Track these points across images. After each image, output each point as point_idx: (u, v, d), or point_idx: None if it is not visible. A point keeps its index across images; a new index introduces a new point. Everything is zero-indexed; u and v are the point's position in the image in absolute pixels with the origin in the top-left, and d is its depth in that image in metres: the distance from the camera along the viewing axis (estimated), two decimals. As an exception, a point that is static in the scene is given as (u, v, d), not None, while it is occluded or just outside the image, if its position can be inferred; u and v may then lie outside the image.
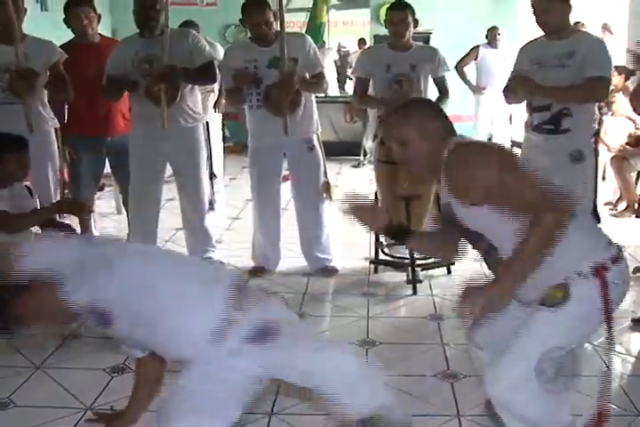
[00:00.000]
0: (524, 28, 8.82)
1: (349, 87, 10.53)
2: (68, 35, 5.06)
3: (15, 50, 4.37)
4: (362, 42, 10.66)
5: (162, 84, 4.38)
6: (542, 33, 4.00)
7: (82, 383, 3.31)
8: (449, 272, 4.73)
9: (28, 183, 4.40)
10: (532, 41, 4.17)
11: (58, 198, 4.87)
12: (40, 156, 4.51)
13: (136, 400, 2.80)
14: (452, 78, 4.81)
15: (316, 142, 4.68)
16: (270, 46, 4.45)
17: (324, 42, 9.46)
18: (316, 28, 8.80)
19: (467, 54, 8.33)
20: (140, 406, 2.81)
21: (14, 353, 3.59)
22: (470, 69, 8.40)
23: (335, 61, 10.96)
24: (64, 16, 4.98)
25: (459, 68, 8.16)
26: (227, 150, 9.09)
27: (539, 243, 2.26)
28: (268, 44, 4.46)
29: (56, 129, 4.81)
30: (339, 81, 11.35)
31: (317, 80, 4.59)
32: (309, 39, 4.63)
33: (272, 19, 4.41)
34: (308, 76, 4.57)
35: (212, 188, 5.27)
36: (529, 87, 3.91)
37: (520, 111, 4.66)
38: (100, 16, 5.09)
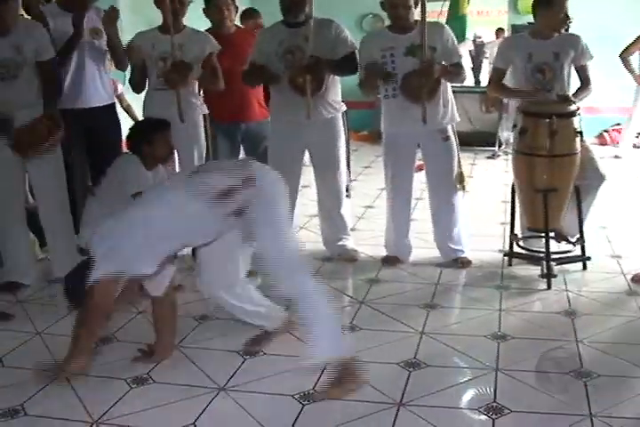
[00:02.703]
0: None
1: (485, 77, 10.38)
2: (209, 25, 5.22)
3: (171, 41, 4.53)
4: (500, 31, 10.47)
5: (307, 75, 4.44)
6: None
7: (216, 364, 3.43)
8: (584, 268, 4.62)
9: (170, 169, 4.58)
10: None
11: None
12: (188, 142, 4.69)
13: (164, 331, 3.46)
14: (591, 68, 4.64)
15: (451, 133, 4.64)
16: (407, 34, 4.43)
17: (465, 36, 9.24)
18: (457, 20, 8.64)
19: (632, 43, 7.95)
20: (170, 333, 3.48)
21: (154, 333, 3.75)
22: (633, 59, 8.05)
23: (470, 51, 10.81)
24: (204, 6, 5.12)
25: (623, 56, 7.85)
26: (361, 139, 9.15)
27: None
28: (405, 32, 4.44)
29: (204, 116, 4.95)
30: (474, 71, 11.19)
31: (456, 70, 4.54)
32: (448, 29, 4.58)
33: (412, 3, 4.38)
34: (445, 65, 4.53)
35: (349, 175, 5.30)
36: None
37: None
38: (237, 8, 5.20)
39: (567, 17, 4.53)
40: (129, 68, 4.90)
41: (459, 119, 4.72)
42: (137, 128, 4.33)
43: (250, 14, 6.68)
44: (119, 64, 4.87)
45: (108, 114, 4.90)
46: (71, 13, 4.52)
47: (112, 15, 4.66)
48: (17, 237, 4.46)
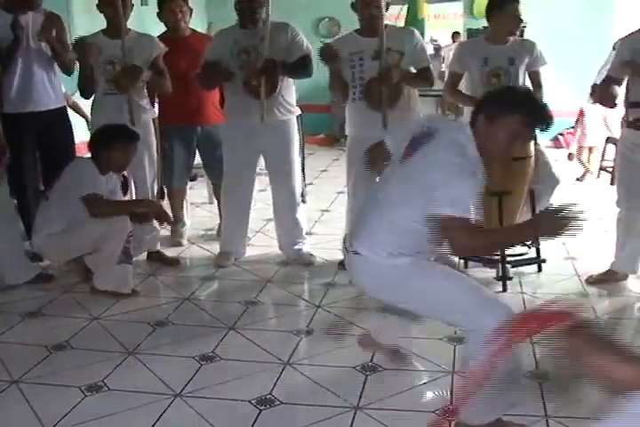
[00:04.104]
0: (621, 18, 8.57)
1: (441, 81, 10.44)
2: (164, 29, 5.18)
3: (122, 45, 4.50)
4: (456, 35, 10.54)
5: (262, 76, 4.43)
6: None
7: (172, 370, 3.38)
8: (539, 270, 4.66)
9: (126, 173, 4.55)
10: (635, 32, 4.08)
11: (155, 188, 5.00)
12: (140, 146, 4.65)
13: None
14: (545, 72, 4.70)
15: None
16: (376, 37, 4.41)
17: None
18: (416, 24, 8.68)
19: None
20: None
21: (109, 338, 3.71)
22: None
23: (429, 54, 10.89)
24: (158, 10, 5.09)
25: None
26: (318, 142, 9.15)
27: None
28: (374, 35, 4.41)
29: (153, 120, 4.92)
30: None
31: (423, 75, 4.55)
32: (417, 33, 4.59)
33: (383, 3, 4.35)
34: (413, 70, 4.55)
35: (304, 179, 5.30)
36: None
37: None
38: (191, 10, 5.18)
39: (520, 21, 4.57)
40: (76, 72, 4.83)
41: None
42: (99, 133, 4.31)
43: None
44: (64, 68, 4.81)
45: (58, 117, 4.85)
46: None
47: (49, 22, 4.61)
48: None
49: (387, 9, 4.43)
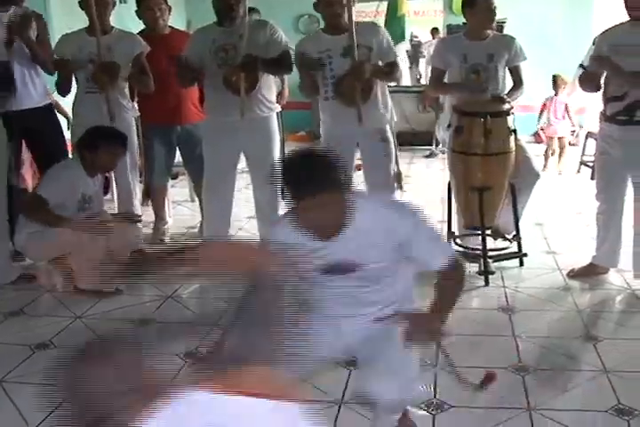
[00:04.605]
0: (599, 15, 8.61)
1: (423, 77, 10.48)
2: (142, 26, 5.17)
3: (97, 42, 4.49)
4: (435, 31, 10.57)
5: (241, 72, 4.42)
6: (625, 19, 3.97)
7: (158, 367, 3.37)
8: (521, 264, 4.69)
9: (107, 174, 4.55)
10: (613, 27, 4.11)
11: (137, 186, 5.00)
12: None
13: None
14: (526, 68, 4.73)
15: (388, 132, 4.67)
16: (343, 35, 4.44)
17: (404, 36, 9.26)
18: (396, 20, 8.68)
19: None
20: None
21: (93, 337, 3.70)
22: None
23: (407, 51, 10.88)
24: (137, 8, 5.08)
25: None
26: (298, 140, 9.15)
27: None
28: (340, 33, 4.45)
29: (135, 118, 4.91)
30: (411, 71, 11.27)
31: (391, 69, 4.57)
32: (383, 28, 4.63)
33: (346, 1, 4.37)
34: (381, 64, 4.56)
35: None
36: (610, 68, 3.94)
37: (596, 102, 4.60)
38: (170, 8, 5.17)
39: (493, 16, 4.57)
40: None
41: (396, 119, 4.75)
42: (86, 134, 4.30)
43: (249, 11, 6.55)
44: (43, 68, 4.79)
45: (44, 114, 4.83)
46: None
47: (22, 22, 4.58)
48: None
49: (352, 4, 4.40)
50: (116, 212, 4.91)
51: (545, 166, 7.56)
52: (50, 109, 4.95)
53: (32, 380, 3.21)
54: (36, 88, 4.76)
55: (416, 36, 11.77)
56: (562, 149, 7.84)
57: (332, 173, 2.20)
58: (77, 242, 4.14)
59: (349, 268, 2.43)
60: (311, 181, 2.16)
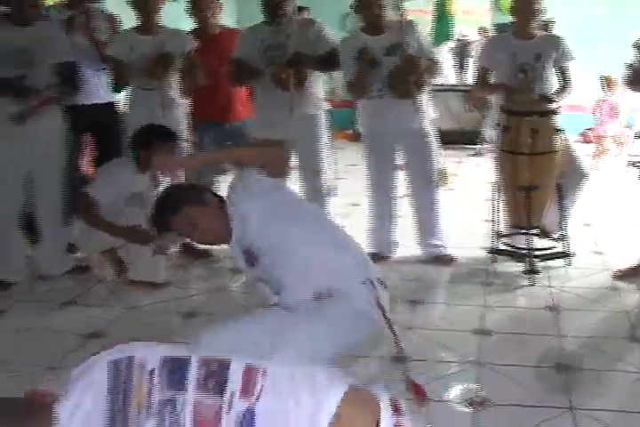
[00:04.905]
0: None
1: (469, 76, 10.42)
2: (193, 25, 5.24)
3: (156, 39, 4.60)
4: (483, 30, 10.52)
5: (290, 69, 4.48)
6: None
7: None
8: (568, 264, 4.67)
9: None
10: None
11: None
12: None
13: None
14: (574, 67, 4.72)
15: (429, 129, 4.69)
16: (382, 35, 4.48)
17: (451, 35, 9.22)
18: (444, 19, 8.66)
19: None
20: None
21: (142, 328, 3.79)
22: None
23: (452, 49, 10.84)
24: (188, 6, 5.15)
25: None
26: (347, 137, 9.18)
27: None
28: (380, 33, 4.48)
29: (186, 114, 4.98)
30: (458, 69, 11.22)
31: (434, 64, 4.59)
32: (419, 26, 4.63)
33: (385, 1, 4.41)
34: None
35: (334, 174, 5.35)
36: None
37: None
38: (221, 7, 5.24)
39: (538, 15, 4.56)
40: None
41: (435, 116, 4.76)
42: (141, 131, 4.38)
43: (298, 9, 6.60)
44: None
45: (108, 110, 4.97)
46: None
47: (91, 18, 4.72)
48: (7, 234, 4.47)
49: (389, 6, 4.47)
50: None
51: (594, 166, 7.50)
52: (114, 106, 5.06)
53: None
54: (102, 84, 4.91)
55: (465, 35, 11.70)
56: (610, 149, 7.79)
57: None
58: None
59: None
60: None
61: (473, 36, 11.07)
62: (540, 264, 4.54)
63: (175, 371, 1.61)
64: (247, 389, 1.55)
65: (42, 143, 4.37)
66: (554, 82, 4.69)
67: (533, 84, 4.55)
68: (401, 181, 4.86)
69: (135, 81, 4.76)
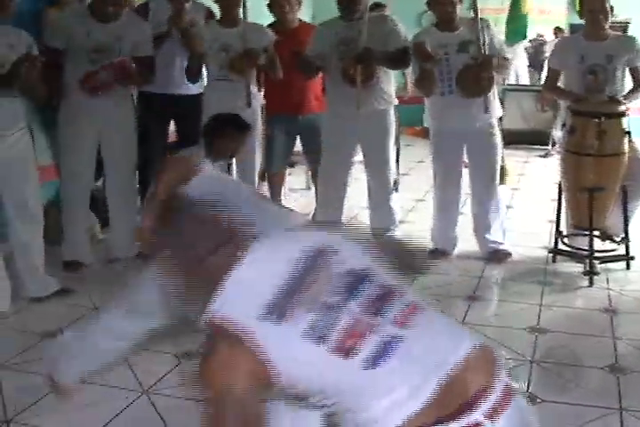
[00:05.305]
0: None
1: (543, 76, 10.32)
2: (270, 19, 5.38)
3: (239, 32, 4.71)
4: (558, 30, 10.40)
5: (358, 64, 4.55)
6: None
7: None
8: (628, 267, 4.65)
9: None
10: None
11: (256, 172, 5.18)
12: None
13: None
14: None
15: (495, 127, 4.72)
16: (456, 31, 4.53)
17: (526, 34, 9.14)
18: (519, 19, 8.58)
19: None
20: None
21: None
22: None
23: (526, 49, 10.74)
24: (268, 1, 5.28)
25: None
26: (414, 134, 9.21)
27: None
28: (453, 30, 4.54)
29: (261, 106, 5.11)
30: (532, 69, 11.12)
31: (504, 62, 4.63)
32: (492, 24, 4.68)
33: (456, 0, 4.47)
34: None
35: (398, 169, 5.41)
36: None
37: None
38: (300, 2, 5.34)
39: (607, 14, 4.53)
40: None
41: (501, 114, 4.77)
42: (212, 120, 4.50)
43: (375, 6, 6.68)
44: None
45: (193, 102, 5.03)
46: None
47: (181, 9, 4.83)
48: (79, 217, 4.65)
49: (460, 3, 4.52)
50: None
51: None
52: (199, 99, 5.10)
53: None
54: None
55: (541, 35, 11.57)
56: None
57: None
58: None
59: None
60: None
61: (549, 36, 10.96)
62: (599, 266, 4.54)
63: (354, 283, 1.66)
64: (404, 319, 1.61)
65: (112, 130, 4.53)
66: (627, 84, 4.68)
67: (603, 85, 4.54)
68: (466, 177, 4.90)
69: (215, 72, 4.88)
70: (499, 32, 4.68)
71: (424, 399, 1.51)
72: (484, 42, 4.50)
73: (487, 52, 4.51)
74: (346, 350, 1.56)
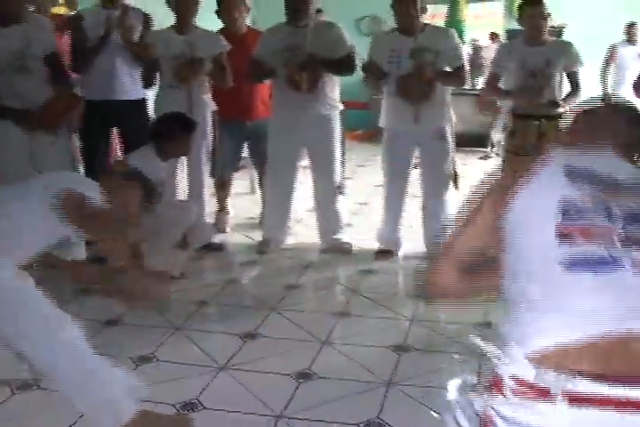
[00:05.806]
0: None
1: (479, 81, 10.52)
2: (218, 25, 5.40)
3: (189, 40, 4.77)
4: (494, 36, 10.63)
5: (303, 71, 4.62)
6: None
7: (217, 346, 3.63)
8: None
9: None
10: None
11: (207, 178, 5.22)
12: (196, 137, 4.85)
13: None
14: (583, 73, 4.85)
15: (447, 132, 4.80)
16: (413, 37, 4.60)
17: (463, 40, 9.35)
18: (456, 24, 8.75)
19: (609, 56, 8.34)
20: None
21: (157, 315, 3.94)
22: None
23: (468, 54, 10.96)
24: (216, 7, 5.30)
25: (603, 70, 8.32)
26: (356, 138, 9.31)
27: None
28: (411, 35, 4.61)
29: (213, 112, 5.12)
30: (469, 74, 11.31)
31: (458, 74, 4.72)
32: (454, 33, 4.75)
33: (418, 6, 4.56)
34: (449, 69, 4.71)
35: (343, 173, 5.48)
36: None
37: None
38: (249, 9, 5.37)
39: (546, 20, 4.69)
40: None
41: (454, 120, 4.89)
42: (159, 120, 4.51)
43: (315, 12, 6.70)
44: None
45: (137, 106, 5.08)
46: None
47: (125, 16, 4.83)
48: None
49: (424, 11, 4.63)
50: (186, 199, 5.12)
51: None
52: (144, 103, 5.17)
53: (102, 351, 3.43)
54: (135, 83, 5.02)
55: (476, 40, 11.81)
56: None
57: None
58: (159, 226, 4.33)
59: None
60: None
61: (483, 40, 11.18)
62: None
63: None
64: None
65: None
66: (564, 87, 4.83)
67: (543, 89, 4.68)
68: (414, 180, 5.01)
69: (168, 80, 4.90)
70: (460, 43, 4.77)
71: (597, 333, 1.39)
72: (440, 51, 4.58)
73: (442, 62, 4.62)
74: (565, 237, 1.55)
